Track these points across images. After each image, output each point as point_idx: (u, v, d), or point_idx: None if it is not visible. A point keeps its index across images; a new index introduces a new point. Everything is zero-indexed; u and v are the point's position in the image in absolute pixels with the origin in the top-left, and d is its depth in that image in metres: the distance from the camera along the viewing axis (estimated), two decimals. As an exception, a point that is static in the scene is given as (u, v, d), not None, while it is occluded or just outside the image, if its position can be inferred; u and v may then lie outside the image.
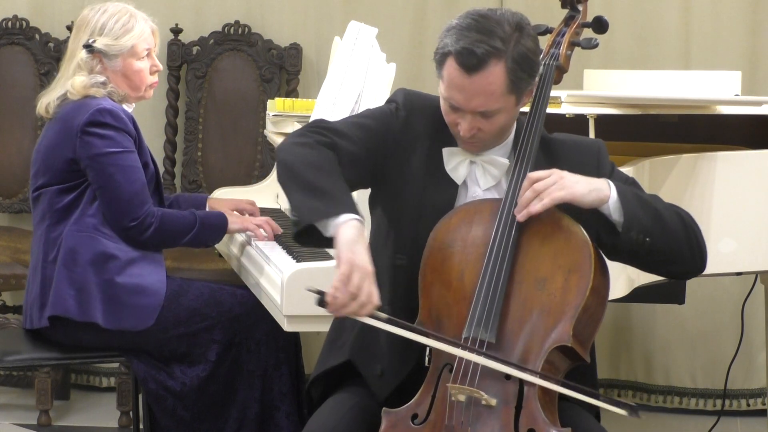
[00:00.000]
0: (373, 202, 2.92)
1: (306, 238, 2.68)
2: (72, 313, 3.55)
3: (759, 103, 3.90)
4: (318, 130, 2.79)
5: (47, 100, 3.69)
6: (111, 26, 3.66)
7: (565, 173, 2.68)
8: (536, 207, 2.65)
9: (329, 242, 2.63)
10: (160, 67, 3.77)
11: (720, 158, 3.73)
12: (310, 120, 3.93)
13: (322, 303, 2.58)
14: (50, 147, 3.65)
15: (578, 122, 3.58)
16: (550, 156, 2.81)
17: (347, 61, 3.87)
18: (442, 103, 2.76)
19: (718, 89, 4.05)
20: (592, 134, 3.53)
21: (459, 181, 2.81)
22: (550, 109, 3.61)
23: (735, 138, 4.09)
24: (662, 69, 4.68)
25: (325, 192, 2.65)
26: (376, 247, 2.88)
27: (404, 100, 2.86)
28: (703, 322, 4.90)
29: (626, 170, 3.41)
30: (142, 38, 3.69)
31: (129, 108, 3.73)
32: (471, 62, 2.65)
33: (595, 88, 4.14)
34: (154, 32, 3.75)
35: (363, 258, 2.58)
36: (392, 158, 2.82)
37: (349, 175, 2.75)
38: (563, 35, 2.89)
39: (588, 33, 2.92)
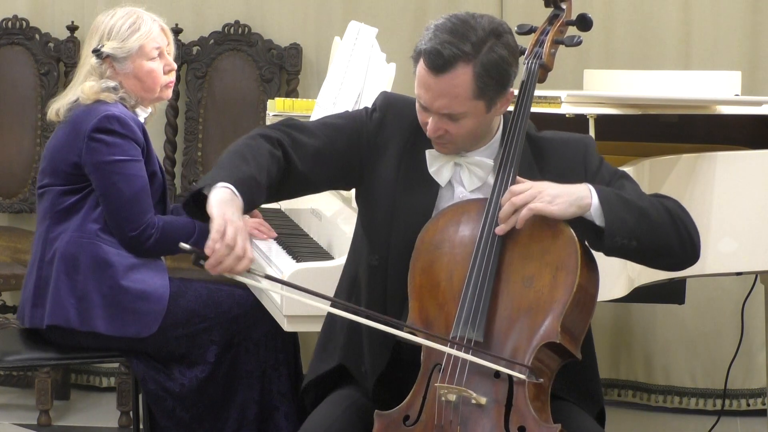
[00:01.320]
0: (357, 205, 2.92)
1: (195, 209, 2.71)
2: (73, 324, 3.55)
3: (759, 103, 3.90)
4: (279, 127, 2.82)
5: (58, 105, 3.68)
6: (118, 29, 3.65)
7: (546, 185, 2.68)
8: (513, 220, 2.66)
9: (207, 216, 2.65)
10: (174, 66, 3.74)
11: (720, 158, 3.72)
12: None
13: (198, 259, 2.60)
14: (57, 148, 3.64)
15: (578, 122, 3.58)
16: (538, 154, 2.82)
17: (347, 61, 3.87)
18: (416, 102, 2.77)
19: (718, 89, 4.05)
20: (592, 134, 3.53)
21: (443, 183, 2.81)
22: (550, 109, 3.64)
23: (735, 138, 4.09)
24: (662, 69, 4.68)
25: (222, 167, 2.69)
26: (356, 247, 2.89)
27: (382, 102, 2.88)
28: (703, 322, 4.90)
29: (626, 170, 3.41)
30: (150, 38, 3.67)
31: (144, 113, 3.72)
32: (437, 63, 2.66)
33: (595, 88, 4.14)
34: (164, 31, 3.72)
35: (234, 214, 2.61)
36: (367, 159, 2.84)
37: (313, 170, 2.80)
38: (547, 34, 2.89)
39: (573, 31, 2.92)
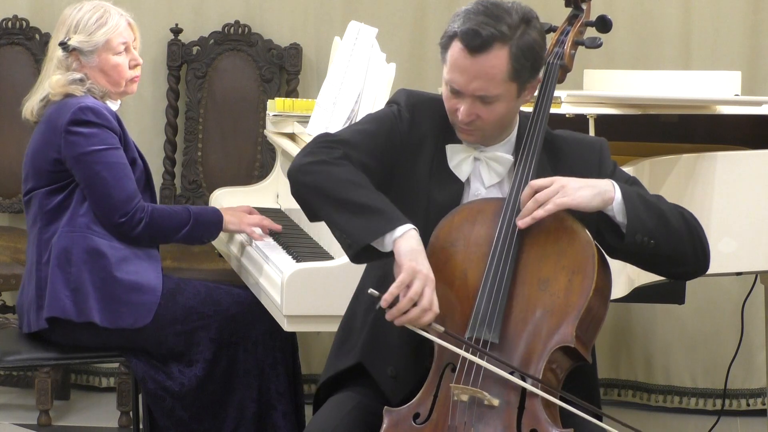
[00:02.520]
0: None
1: (363, 257, 2.69)
2: (70, 314, 3.55)
3: (759, 103, 3.90)
4: (328, 144, 2.76)
5: (31, 104, 3.70)
6: (85, 22, 3.67)
7: (568, 180, 2.67)
8: (539, 213, 2.65)
9: (386, 256, 2.64)
10: (140, 60, 3.75)
11: (720, 158, 3.72)
12: (308, 123, 3.95)
13: (381, 308, 2.60)
14: (37, 150, 3.65)
15: (578, 122, 3.58)
16: (552, 153, 2.81)
17: (347, 61, 3.87)
18: (443, 88, 2.76)
19: (718, 89, 4.05)
20: (592, 134, 3.53)
21: (463, 178, 2.80)
22: (550, 109, 3.64)
23: (735, 138, 4.09)
24: (662, 69, 4.68)
25: (372, 208, 2.64)
26: None
27: (407, 100, 2.85)
28: (703, 322, 4.90)
29: (626, 170, 3.41)
30: (117, 32, 3.68)
31: (114, 105, 3.72)
32: (475, 43, 2.66)
33: (595, 88, 4.14)
34: (131, 26, 3.74)
35: (425, 266, 2.60)
36: (400, 160, 2.81)
37: None
38: (567, 34, 2.89)
39: (591, 32, 2.92)
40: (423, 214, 2.78)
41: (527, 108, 2.82)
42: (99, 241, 3.58)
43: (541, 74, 2.78)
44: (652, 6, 4.88)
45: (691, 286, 4.26)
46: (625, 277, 3.49)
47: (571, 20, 2.92)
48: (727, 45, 4.83)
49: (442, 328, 2.62)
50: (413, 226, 2.64)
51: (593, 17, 2.91)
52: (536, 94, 2.81)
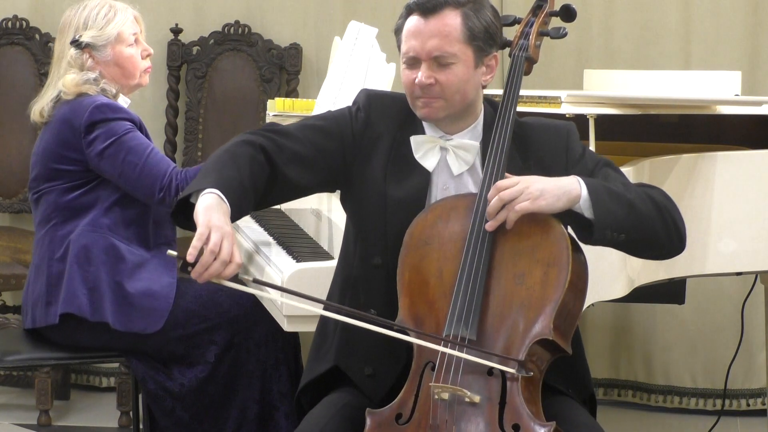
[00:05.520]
0: (344, 208, 2.92)
1: (183, 219, 2.72)
2: (84, 312, 3.55)
3: (759, 103, 3.90)
4: (262, 132, 2.83)
5: (41, 105, 3.69)
6: (93, 19, 3.69)
7: (534, 179, 2.68)
8: (502, 215, 2.66)
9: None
10: (150, 50, 3.78)
11: (720, 158, 3.72)
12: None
13: (185, 266, 2.60)
14: (50, 149, 3.64)
15: (578, 122, 3.57)
16: (520, 142, 2.82)
17: (347, 61, 3.87)
18: (402, 69, 2.78)
19: (718, 89, 4.05)
20: (592, 134, 3.53)
21: (430, 168, 2.81)
22: (550, 109, 3.64)
23: (735, 138, 4.09)
24: (662, 69, 4.68)
25: (206, 174, 2.70)
26: (348, 250, 2.89)
27: (365, 100, 2.88)
28: (703, 322, 4.90)
29: (626, 170, 3.41)
30: (126, 24, 3.71)
31: (126, 102, 3.73)
32: (428, 5, 2.72)
33: (595, 88, 4.14)
34: (137, 18, 3.77)
35: (220, 220, 2.61)
36: (353, 159, 2.84)
37: (297, 174, 2.81)
38: (531, 25, 2.90)
39: (558, 22, 2.93)
40: (380, 212, 2.80)
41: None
42: (118, 243, 3.58)
43: (498, 52, 2.80)
44: (652, 6, 4.89)
45: (691, 286, 4.27)
46: (625, 277, 3.49)
47: (536, 11, 2.93)
48: (727, 45, 4.84)
49: (250, 278, 2.66)
50: (218, 191, 2.65)
51: (557, 7, 2.92)
52: (503, 89, 2.82)
